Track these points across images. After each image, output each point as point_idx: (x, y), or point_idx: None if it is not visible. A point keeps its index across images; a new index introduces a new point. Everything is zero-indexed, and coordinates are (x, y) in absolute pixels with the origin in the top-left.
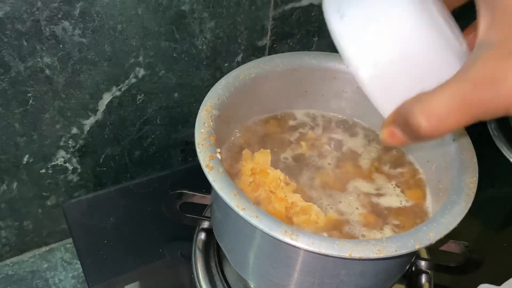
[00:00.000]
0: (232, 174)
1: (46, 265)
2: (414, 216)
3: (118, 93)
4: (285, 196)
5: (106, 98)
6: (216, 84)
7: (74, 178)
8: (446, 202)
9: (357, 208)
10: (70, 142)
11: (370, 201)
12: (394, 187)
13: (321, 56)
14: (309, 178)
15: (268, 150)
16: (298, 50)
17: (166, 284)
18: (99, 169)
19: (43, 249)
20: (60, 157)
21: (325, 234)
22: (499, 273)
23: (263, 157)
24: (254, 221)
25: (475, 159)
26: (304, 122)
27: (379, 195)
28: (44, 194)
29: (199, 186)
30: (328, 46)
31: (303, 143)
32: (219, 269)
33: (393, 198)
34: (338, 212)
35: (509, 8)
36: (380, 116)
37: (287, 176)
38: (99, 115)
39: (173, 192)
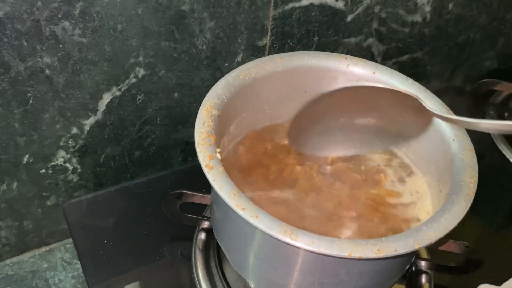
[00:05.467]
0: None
1: (46, 265)
2: (413, 216)
3: (118, 93)
4: None
5: (106, 98)
6: (216, 84)
7: (74, 178)
8: (446, 202)
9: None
10: (70, 142)
11: (371, 203)
12: (394, 188)
13: (321, 56)
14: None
15: None
16: (298, 50)
17: (166, 284)
18: (99, 169)
19: (43, 249)
20: (60, 157)
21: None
22: (499, 273)
23: None
24: (254, 221)
25: (475, 159)
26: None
27: (379, 195)
28: (44, 194)
29: (199, 186)
30: (328, 46)
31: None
32: (219, 269)
33: (392, 199)
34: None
35: None
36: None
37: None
38: (99, 115)
39: (173, 192)
